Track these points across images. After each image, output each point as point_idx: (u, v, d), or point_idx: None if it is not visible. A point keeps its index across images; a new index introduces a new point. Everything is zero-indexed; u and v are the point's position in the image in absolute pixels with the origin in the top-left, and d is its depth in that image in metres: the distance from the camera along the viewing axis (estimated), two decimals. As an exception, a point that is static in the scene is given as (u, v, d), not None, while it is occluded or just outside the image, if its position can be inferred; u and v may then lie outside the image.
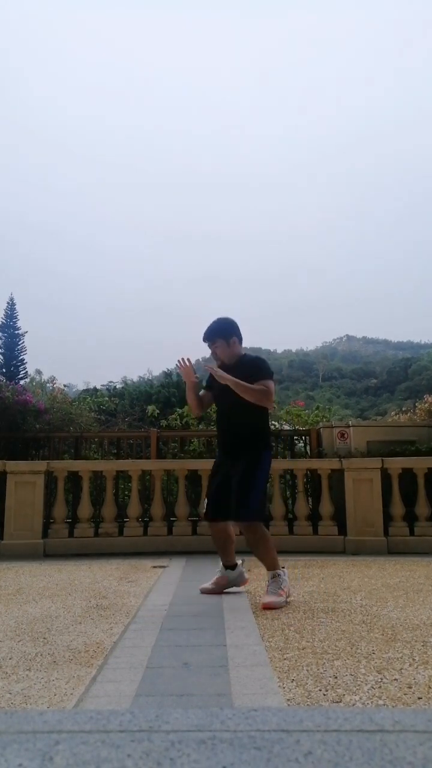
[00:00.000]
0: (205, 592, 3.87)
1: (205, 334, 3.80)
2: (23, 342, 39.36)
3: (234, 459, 3.71)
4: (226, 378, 3.54)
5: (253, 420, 3.70)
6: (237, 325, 3.84)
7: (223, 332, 3.77)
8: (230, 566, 3.92)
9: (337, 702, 1.95)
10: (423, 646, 2.60)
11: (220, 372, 3.60)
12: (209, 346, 3.81)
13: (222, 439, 3.90)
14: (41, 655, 2.58)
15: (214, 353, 3.80)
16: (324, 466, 6.34)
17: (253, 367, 3.69)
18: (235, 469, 3.67)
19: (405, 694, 2.01)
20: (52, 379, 10.09)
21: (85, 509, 6.24)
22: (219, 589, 3.87)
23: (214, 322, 3.82)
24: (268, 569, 3.63)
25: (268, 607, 3.37)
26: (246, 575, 4.00)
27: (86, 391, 29.29)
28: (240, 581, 3.95)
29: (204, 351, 4.00)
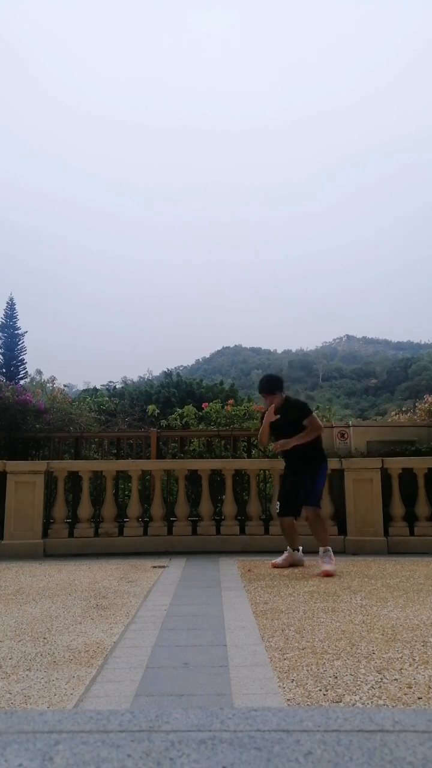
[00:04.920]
0: (276, 566, 4.97)
1: (262, 388, 5.18)
2: (23, 342, 39.42)
3: (298, 471, 5.01)
4: (291, 444, 4.90)
5: (308, 445, 4.97)
6: (282, 380, 5.30)
7: (276, 389, 5.12)
8: (296, 548, 5.10)
9: (337, 702, 1.96)
10: (423, 646, 2.60)
11: (285, 443, 4.93)
12: (265, 397, 5.14)
13: (288, 458, 5.13)
14: (41, 655, 2.59)
15: (269, 401, 5.08)
16: (324, 466, 6.33)
17: (297, 409, 5.04)
18: (300, 479, 4.97)
19: (405, 694, 2.01)
20: (52, 379, 10.05)
21: (85, 509, 6.24)
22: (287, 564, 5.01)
23: (268, 381, 5.24)
24: (322, 545, 4.79)
25: (327, 575, 4.53)
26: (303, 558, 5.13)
27: (86, 391, 29.30)
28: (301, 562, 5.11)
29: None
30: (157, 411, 9.51)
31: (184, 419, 8.15)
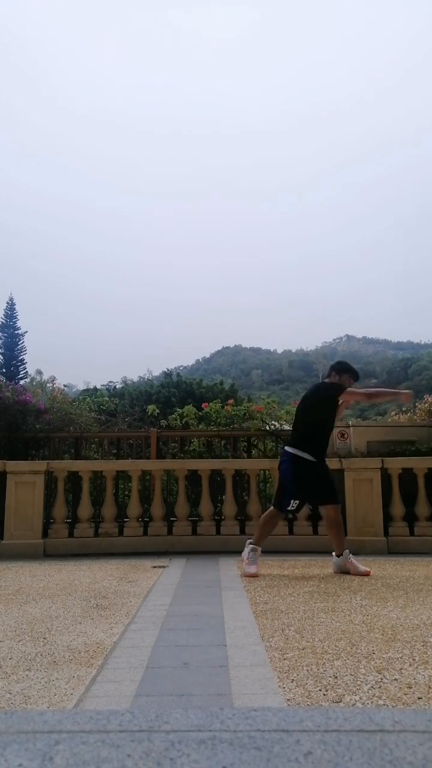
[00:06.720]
0: (254, 576, 4.56)
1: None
2: (23, 342, 39.45)
3: (320, 461, 4.81)
4: None
5: None
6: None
7: None
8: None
9: (337, 702, 1.96)
10: (423, 646, 2.60)
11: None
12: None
13: (322, 446, 4.89)
14: (41, 655, 2.59)
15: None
16: (324, 466, 6.32)
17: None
18: (323, 469, 4.82)
19: (405, 694, 2.01)
20: (52, 379, 10.04)
21: (85, 509, 6.24)
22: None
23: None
24: (342, 549, 4.75)
25: (368, 574, 4.55)
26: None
27: (86, 391, 29.32)
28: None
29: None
30: (157, 411, 9.50)
31: (184, 419, 8.14)
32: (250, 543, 4.74)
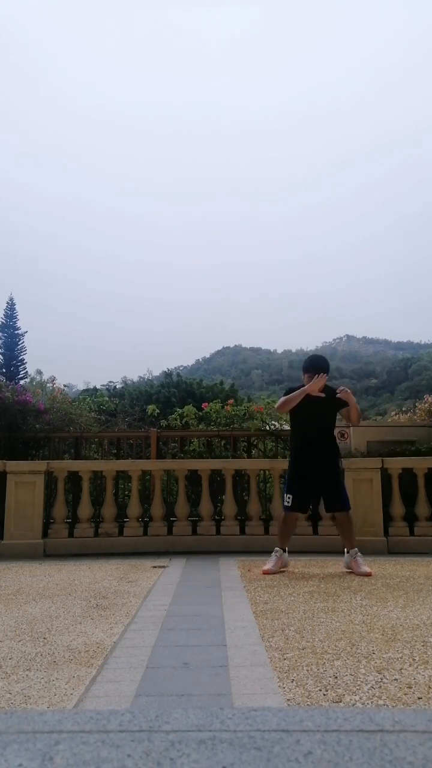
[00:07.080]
0: (268, 573, 4.67)
1: (318, 366, 4.82)
2: (23, 342, 39.44)
3: (325, 466, 4.80)
4: (353, 404, 4.78)
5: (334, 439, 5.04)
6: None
7: (327, 369, 4.87)
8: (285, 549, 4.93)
9: (337, 702, 1.96)
10: (423, 646, 2.60)
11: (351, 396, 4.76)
12: (313, 375, 4.74)
13: (316, 449, 4.83)
14: (41, 655, 2.59)
15: (318, 379, 4.71)
16: (324, 466, 6.32)
17: (336, 398, 4.80)
18: (328, 475, 4.80)
19: (405, 694, 2.01)
20: (52, 379, 10.04)
21: (85, 509, 6.24)
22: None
23: (322, 359, 4.98)
24: (352, 547, 4.79)
25: (368, 575, 4.53)
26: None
27: (86, 391, 29.31)
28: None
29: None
30: (157, 411, 9.49)
31: (184, 419, 8.13)
32: (276, 548, 4.90)
